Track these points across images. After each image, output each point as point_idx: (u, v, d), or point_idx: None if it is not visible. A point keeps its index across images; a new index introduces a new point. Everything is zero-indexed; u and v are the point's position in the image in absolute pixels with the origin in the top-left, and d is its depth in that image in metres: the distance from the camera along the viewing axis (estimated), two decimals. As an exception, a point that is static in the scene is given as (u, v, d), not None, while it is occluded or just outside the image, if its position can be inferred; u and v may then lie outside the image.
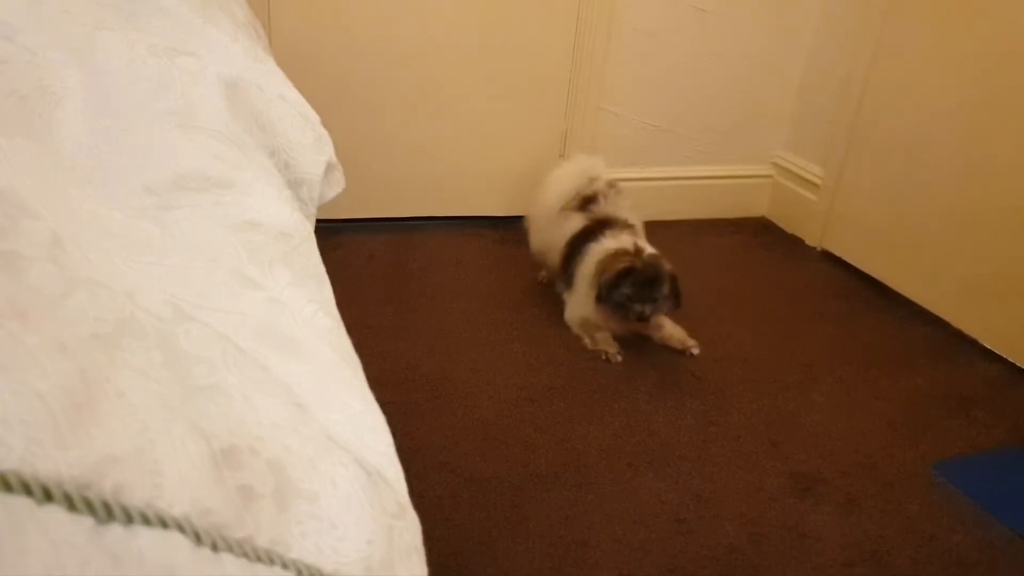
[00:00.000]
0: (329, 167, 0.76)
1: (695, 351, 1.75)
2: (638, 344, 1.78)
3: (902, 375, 1.73)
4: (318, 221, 0.77)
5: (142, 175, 0.53)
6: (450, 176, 2.26)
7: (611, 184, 1.84)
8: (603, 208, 1.79)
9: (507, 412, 1.51)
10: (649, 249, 1.71)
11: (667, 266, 1.68)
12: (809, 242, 2.36)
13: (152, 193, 0.52)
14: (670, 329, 1.78)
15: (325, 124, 0.80)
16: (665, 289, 1.66)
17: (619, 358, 1.69)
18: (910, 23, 1.99)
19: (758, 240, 2.41)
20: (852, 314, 2.00)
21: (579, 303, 1.76)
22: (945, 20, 1.90)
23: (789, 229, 2.45)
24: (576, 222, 1.78)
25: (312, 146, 0.73)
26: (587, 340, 1.74)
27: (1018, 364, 1.76)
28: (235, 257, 0.49)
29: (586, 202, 1.81)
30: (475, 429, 1.45)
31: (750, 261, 2.28)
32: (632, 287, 1.64)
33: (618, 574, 1.17)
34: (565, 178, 1.87)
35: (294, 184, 0.70)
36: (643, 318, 1.67)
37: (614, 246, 1.70)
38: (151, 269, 0.43)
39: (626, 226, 1.76)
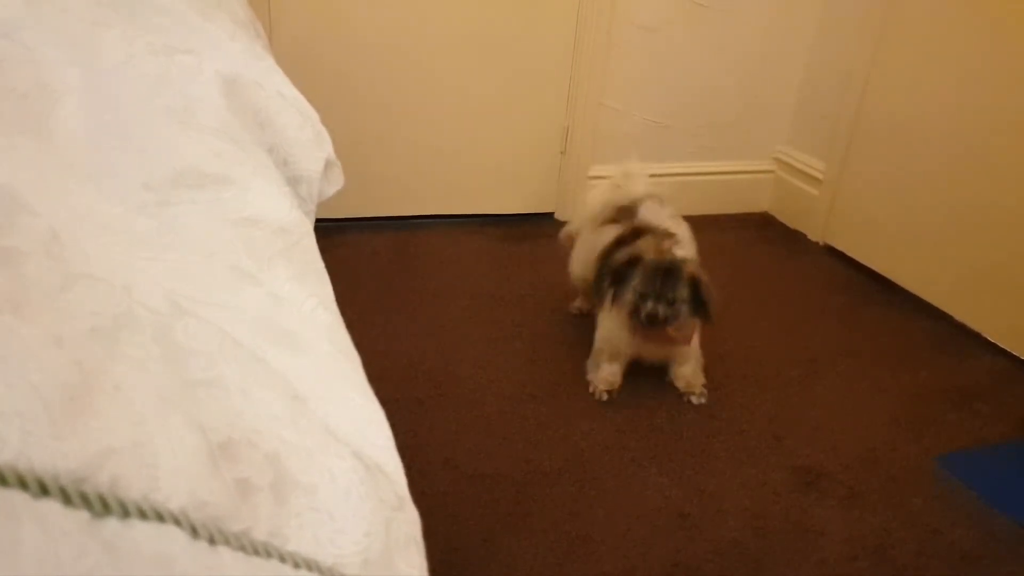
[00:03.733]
0: (328, 164, 0.76)
1: (696, 400, 1.57)
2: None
3: (905, 369, 1.73)
4: (320, 220, 0.77)
5: (141, 172, 0.53)
6: (451, 174, 2.26)
7: (653, 195, 1.64)
8: (642, 217, 1.57)
9: (510, 408, 1.51)
10: (682, 254, 1.49)
11: (693, 268, 1.46)
12: (811, 237, 2.36)
13: (151, 190, 0.52)
14: (687, 368, 1.58)
15: (326, 123, 0.80)
16: (684, 291, 1.42)
17: (604, 397, 1.55)
18: (911, 17, 1.98)
19: (760, 235, 2.41)
20: (855, 308, 1.99)
21: (604, 319, 1.57)
22: (946, 14, 1.89)
23: (791, 224, 2.45)
24: (610, 233, 1.57)
25: (311, 143, 0.73)
26: (590, 373, 1.60)
27: (1021, 357, 1.76)
28: (234, 253, 0.49)
29: (622, 214, 1.60)
30: (478, 426, 1.46)
31: (752, 256, 2.28)
32: (642, 279, 1.42)
33: (622, 569, 1.17)
34: (600, 192, 1.72)
35: (293, 181, 0.70)
36: (654, 321, 1.42)
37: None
38: (149, 264, 0.43)
39: (667, 235, 1.52)
